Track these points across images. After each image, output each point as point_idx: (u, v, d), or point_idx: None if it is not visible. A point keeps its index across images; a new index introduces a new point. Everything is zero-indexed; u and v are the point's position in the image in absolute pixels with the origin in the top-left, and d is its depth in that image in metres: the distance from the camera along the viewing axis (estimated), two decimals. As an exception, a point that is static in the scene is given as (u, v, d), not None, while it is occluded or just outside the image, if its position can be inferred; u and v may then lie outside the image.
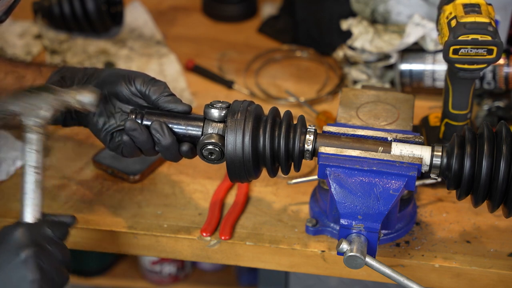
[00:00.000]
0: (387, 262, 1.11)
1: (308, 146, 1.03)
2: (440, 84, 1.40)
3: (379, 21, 1.48)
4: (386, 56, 1.42)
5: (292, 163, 1.06)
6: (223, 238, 1.13)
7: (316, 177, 1.17)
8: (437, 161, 1.02)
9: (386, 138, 1.05)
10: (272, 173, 1.06)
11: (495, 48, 1.06)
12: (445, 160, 1.01)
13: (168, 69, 1.52)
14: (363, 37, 1.42)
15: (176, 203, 1.21)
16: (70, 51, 1.58)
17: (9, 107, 0.98)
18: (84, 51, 1.58)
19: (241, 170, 1.02)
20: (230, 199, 1.22)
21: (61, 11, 1.57)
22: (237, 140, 1.00)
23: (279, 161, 1.04)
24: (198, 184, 1.25)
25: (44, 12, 1.60)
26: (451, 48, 1.07)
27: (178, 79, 1.50)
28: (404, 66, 1.41)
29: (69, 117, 1.10)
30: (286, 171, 1.06)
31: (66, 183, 1.25)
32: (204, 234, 1.14)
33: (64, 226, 0.96)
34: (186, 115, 1.05)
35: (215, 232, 1.15)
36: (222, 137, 1.02)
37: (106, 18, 1.58)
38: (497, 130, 1.01)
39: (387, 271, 0.98)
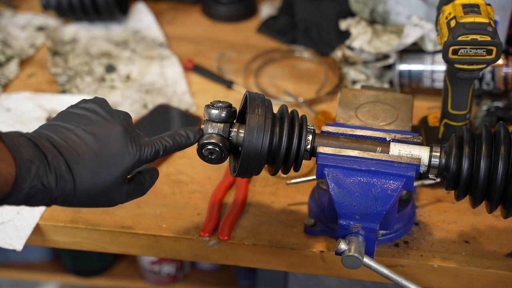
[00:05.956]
0: (386, 262, 1.11)
1: (307, 146, 1.03)
2: (439, 85, 1.40)
3: (378, 21, 1.48)
4: (385, 56, 1.42)
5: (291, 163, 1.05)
6: (222, 238, 1.13)
7: (314, 177, 1.17)
8: (435, 161, 1.01)
9: (385, 139, 1.05)
10: (275, 172, 1.04)
11: (494, 49, 1.06)
12: (443, 161, 1.01)
13: (168, 72, 1.52)
14: (361, 38, 1.42)
15: (175, 203, 1.21)
16: (72, 52, 1.58)
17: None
18: (87, 53, 1.58)
19: (254, 165, 1.01)
20: (229, 199, 1.22)
21: (70, 1, 1.63)
22: (256, 136, 0.99)
23: (285, 160, 1.03)
24: (197, 184, 1.25)
25: (52, 3, 1.64)
26: (451, 49, 1.07)
27: (178, 82, 1.50)
28: (403, 67, 1.41)
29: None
30: (286, 171, 1.06)
31: (65, 183, 1.25)
32: (203, 234, 1.14)
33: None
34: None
35: (214, 232, 1.15)
36: (222, 137, 1.02)
37: (113, 6, 1.60)
38: (495, 131, 1.01)
39: (385, 271, 0.98)
